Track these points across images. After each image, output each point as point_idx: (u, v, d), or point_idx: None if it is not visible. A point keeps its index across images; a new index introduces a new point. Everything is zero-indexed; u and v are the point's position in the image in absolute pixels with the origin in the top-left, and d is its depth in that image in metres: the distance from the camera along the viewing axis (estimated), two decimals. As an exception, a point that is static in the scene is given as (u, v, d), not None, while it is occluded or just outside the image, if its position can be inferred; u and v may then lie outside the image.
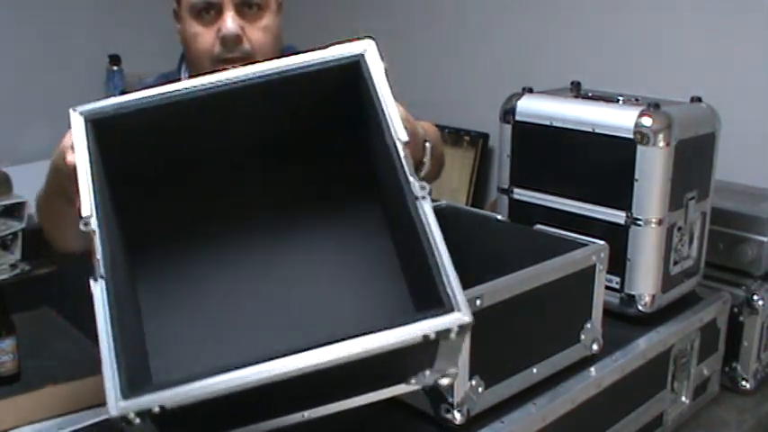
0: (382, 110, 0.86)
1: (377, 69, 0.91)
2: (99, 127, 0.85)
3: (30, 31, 2.78)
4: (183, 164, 0.91)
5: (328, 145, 0.96)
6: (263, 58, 1.31)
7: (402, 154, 0.83)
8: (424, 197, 0.81)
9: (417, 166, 1.10)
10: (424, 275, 0.80)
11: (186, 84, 0.88)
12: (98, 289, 0.73)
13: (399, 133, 0.85)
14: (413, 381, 0.82)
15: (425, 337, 0.73)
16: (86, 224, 0.77)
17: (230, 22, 1.27)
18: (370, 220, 0.96)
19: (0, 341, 1.51)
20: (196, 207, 0.93)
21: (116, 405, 0.68)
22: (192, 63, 1.35)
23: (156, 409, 0.67)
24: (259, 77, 0.87)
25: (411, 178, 0.81)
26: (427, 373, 0.82)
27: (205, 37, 1.30)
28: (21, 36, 2.76)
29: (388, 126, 0.84)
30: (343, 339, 0.71)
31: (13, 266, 2.43)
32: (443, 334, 0.74)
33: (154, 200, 0.90)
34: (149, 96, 0.89)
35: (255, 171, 0.95)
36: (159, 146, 0.89)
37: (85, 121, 0.85)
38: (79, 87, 2.92)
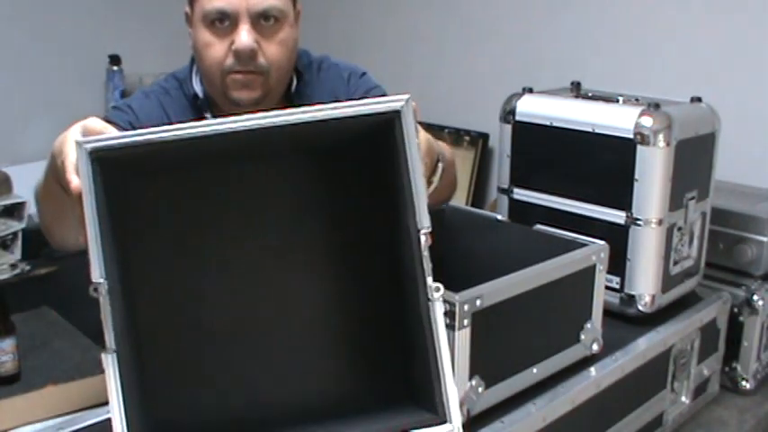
0: (410, 188, 0.80)
1: (410, 133, 0.82)
2: (105, 165, 0.77)
3: (30, 31, 2.78)
4: (195, 206, 0.87)
5: (347, 198, 0.91)
6: (277, 73, 1.29)
7: (423, 247, 0.79)
8: (438, 299, 0.78)
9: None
10: (423, 374, 0.79)
11: (202, 125, 0.79)
12: (109, 361, 0.72)
13: (423, 221, 0.80)
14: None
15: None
16: (95, 290, 0.73)
17: (245, 35, 1.22)
18: (377, 282, 0.92)
19: (0, 341, 1.51)
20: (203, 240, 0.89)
21: None
22: (203, 71, 1.32)
23: None
24: (282, 124, 0.79)
25: (428, 279, 0.78)
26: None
27: (217, 48, 1.25)
28: (21, 36, 2.76)
29: (413, 208, 0.79)
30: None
31: (13, 266, 2.43)
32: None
33: (156, 229, 0.86)
34: (166, 134, 0.79)
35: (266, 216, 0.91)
36: (173, 186, 0.84)
37: (91, 159, 0.75)
38: (79, 87, 2.92)
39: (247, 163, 0.87)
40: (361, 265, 0.91)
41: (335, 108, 0.80)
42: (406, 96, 0.82)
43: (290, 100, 1.38)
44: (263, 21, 1.25)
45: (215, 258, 0.87)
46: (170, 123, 1.20)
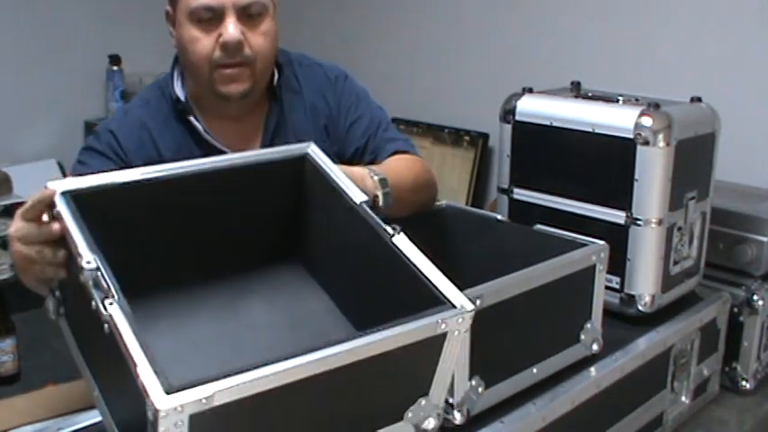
0: (336, 182, 1.02)
1: (323, 157, 1.06)
2: (78, 200, 0.89)
3: (30, 32, 2.78)
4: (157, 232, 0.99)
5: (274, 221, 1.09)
6: (263, 63, 1.33)
7: (367, 208, 0.98)
8: (398, 233, 0.95)
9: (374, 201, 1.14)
10: (418, 293, 0.87)
11: (163, 168, 0.98)
12: (116, 309, 0.75)
13: (357, 196, 1.00)
14: (409, 415, 0.86)
15: (438, 324, 0.81)
16: (89, 264, 0.80)
17: (232, 28, 1.26)
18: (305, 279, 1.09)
19: (0, 341, 1.51)
20: (169, 262, 0.99)
21: (163, 399, 0.66)
22: (189, 67, 1.34)
23: (204, 401, 0.67)
24: (220, 167, 1.01)
25: (385, 226, 0.95)
26: (423, 402, 0.86)
27: (204, 42, 1.28)
28: (21, 36, 2.76)
29: (345, 192, 1.00)
30: (362, 336, 0.76)
31: (13, 266, 2.43)
32: (452, 323, 0.82)
33: (129, 255, 0.92)
34: (131, 179, 0.95)
35: (219, 235, 1.05)
36: (136, 219, 0.95)
37: (65, 195, 0.89)
38: (79, 87, 2.93)
39: (202, 195, 1.02)
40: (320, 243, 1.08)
41: (267, 153, 1.07)
42: (310, 143, 1.10)
43: (274, 93, 1.41)
44: (247, 14, 1.29)
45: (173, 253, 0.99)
46: (150, 136, 1.32)
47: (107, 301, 0.76)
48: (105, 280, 0.78)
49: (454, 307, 0.84)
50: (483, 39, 2.58)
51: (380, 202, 1.15)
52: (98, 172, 1.27)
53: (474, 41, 2.61)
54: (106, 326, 0.76)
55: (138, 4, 3.00)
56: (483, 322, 0.97)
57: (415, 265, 0.90)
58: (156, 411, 0.66)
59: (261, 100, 1.40)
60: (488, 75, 2.56)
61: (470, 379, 0.99)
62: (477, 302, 0.97)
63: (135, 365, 0.69)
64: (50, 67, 2.84)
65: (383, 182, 1.18)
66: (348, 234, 1.01)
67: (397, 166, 1.36)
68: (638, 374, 1.22)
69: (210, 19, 1.27)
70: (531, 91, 1.43)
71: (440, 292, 0.87)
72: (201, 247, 1.01)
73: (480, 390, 1.01)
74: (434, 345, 0.83)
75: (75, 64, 2.91)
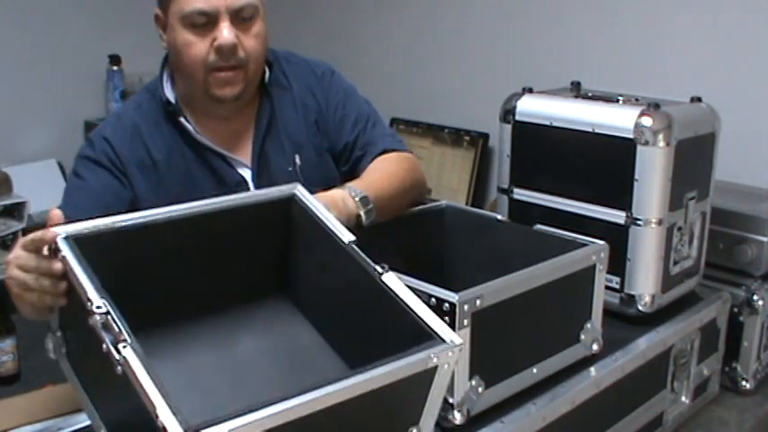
0: (323, 222, 1.05)
1: (309, 197, 1.09)
2: (79, 242, 0.93)
3: (30, 32, 2.78)
4: (154, 269, 1.02)
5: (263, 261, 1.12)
6: (255, 64, 1.34)
7: (355, 247, 1.00)
8: (387, 271, 0.95)
9: (356, 220, 1.22)
10: (408, 328, 0.89)
11: (160, 211, 1.01)
12: (129, 352, 0.77)
13: (345, 236, 1.01)
14: None
15: (429, 359, 0.82)
16: (99, 309, 0.82)
17: (227, 32, 1.27)
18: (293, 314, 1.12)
19: (0, 341, 1.51)
20: (167, 298, 1.01)
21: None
22: (183, 71, 1.34)
23: None
24: (212, 210, 1.05)
25: (375, 265, 0.96)
26: (413, 431, 0.88)
27: (199, 46, 1.29)
28: (21, 36, 2.76)
29: (333, 232, 1.02)
30: (359, 374, 0.79)
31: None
32: (443, 357, 0.83)
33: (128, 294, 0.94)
34: (129, 222, 0.99)
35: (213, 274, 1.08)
36: (133, 259, 0.99)
37: (67, 240, 0.92)
38: (79, 87, 2.93)
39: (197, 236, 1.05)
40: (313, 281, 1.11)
41: (255, 195, 1.11)
42: (296, 185, 1.12)
43: (265, 91, 1.42)
44: (240, 17, 1.30)
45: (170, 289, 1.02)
46: (142, 139, 1.34)
47: (120, 345, 0.77)
48: (116, 323, 0.79)
49: (443, 341, 0.86)
50: (483, 39, 2.58)
51: (363, 221, 1.23)
52: (95, 186, 1.33)
53: (474, 42, 2.61)
54: (119, 368, 0.77)
55: (138, 4, 2.99)
56: (483, 322, 0.98)
57: (404, 302, 0.92)
58: None
59: (251, 99, 1.41)
60: (488, 75, 2.56)
61: (470, 379, 0.99)
62: (478, 302, 0.97)
63: (154, 407, 0.71)
64: (50, 67, 2.84)
65: (364, 200, 1.24)
66: (337, 272, 1.04)
67: (382, 172, 1.38)
68: (638, 374, 1.22)
69: (204, 23, 1.28)
70: (531, 91, 1.43)
71: (429, 326, 0.88)
72: (196, 285, 1.04)
73: (480, 390, 1.01)
74: (425, 378, 0.86)
75: (75, 64, 2.91)
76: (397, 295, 0.93)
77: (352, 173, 1.43)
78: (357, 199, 1.23)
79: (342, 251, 1.01)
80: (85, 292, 0.84)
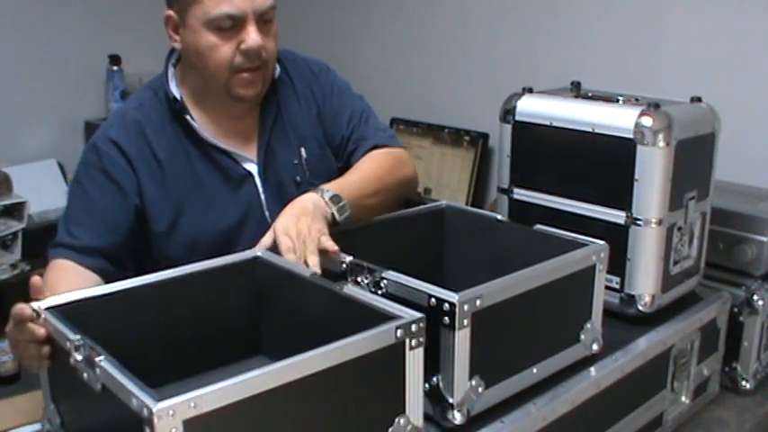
0: (286, 265, 1.11)
1: (273, 255, 1.14)
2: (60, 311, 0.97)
3: (30, 32, 2.78)
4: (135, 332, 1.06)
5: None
6: (273, 64, 1.40)
7: (318, 277, 1.06)
8: (346, 284, 1.02)
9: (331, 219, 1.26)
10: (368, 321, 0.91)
11: (134, 281, 1.06)
12: (106, 363, 0.82)
13: (307, 271, 1.08)
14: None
15: (393, 331, 0.86)
16: (78, 341, 0.87)
17: (254, 35, 1.31)
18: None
19: (0, 341, 1.51)
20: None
21: (156, 404, 0.71)
22: (204, 72, 1.35)
23: (193, 405, 0.72)
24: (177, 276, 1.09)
25: (331, 284, 1.03)
26: (401, 421, 0.90)
27: (225, 49, 1.31)
28: (21, 36, 2.76)
29: (295, 271, 1.09)
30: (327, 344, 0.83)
31: (14, 266, 2.43)
32: (407, 328, 0.87)
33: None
34: (106, 292, 1.04)
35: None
36: (112, 325, 1.02)
37: (49, 310, 0.96)
38: (79, 87, 2.93)
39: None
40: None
41: (220, 260, 1.14)
42: (258, 249, 1.17)
43: (271, 85, 1.44)
44: (263, 20, 1.33)
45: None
46: (146, 138, 1.36)
47: (96, 359, 0.81)
48: (94, 349, 0.83)
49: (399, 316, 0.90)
50: (483, 39, 2.58)
51: (337, 218, 1.26)
52: (100, 203, 1.34)
53: (474, 42, 2.61)
54: (99, 385, 0.81)
55: (138, 4, 3.00)
56: (483, 322, 0.98)
57: (368, 302, 0.96)
58: (150, 413, 0.70)
59: (266, 94, 1.44)
60: (488, 75, 2.57)
61: (470, 379, 0.99)
62: (478, 302, 0.97)
63: (130, 393, 0.74)
64: (50, 67, 2.84)
65: (335, 198, 1.27)
66: (306, 306, 1.08)
67: (362, 171, 1.42)
68: (638, 374, 1.22)
69: (230, 27, 1.30)
70: (531, 91, 1.43)
71: (393, 311, 0.92)
72: (172, 348, 1.07)
73: (480, 390, 1.01)
74: (395, 356, 0.88)
75: (75, 64, 2.90)
76: (363, 301, 0.96)
77: (346, 168, 1.46)
78: (327, 198, 1.26)
79: (308, 285, 1.05)
80: (63, 335, 0.88)
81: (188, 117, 1.38)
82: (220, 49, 1.31)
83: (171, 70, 1.42)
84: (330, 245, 1.15)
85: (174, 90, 1.40)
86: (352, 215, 1.28)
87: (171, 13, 1.35)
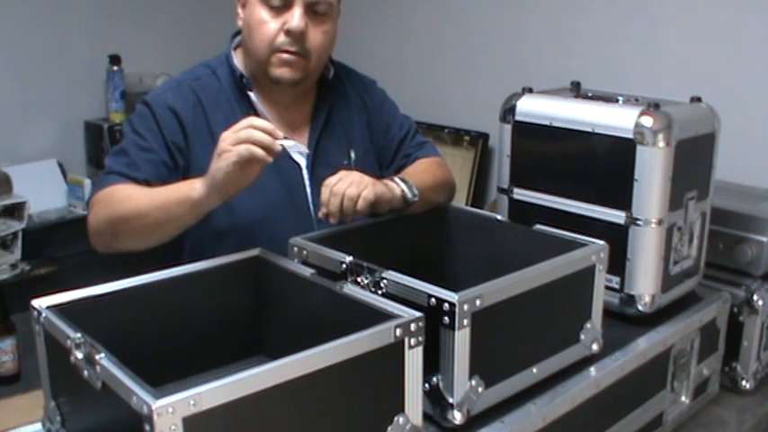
0: (286, 265, 1.12)
1: (273, 255, 1.15)
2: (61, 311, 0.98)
3: (30, 31, 2.78)
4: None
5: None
6: (317, 60, 1.41)
7: (317, 277, 1.07)
8: (345, 284, 1.03)
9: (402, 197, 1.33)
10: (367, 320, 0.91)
11: (132, 279, 1.06)
12: (107, 361, 0.82)
13: (307, 270, 1.09)
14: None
15: (392, 330, 0.87)
16: (78, 338, 0.87)
17: (297, 18, 1.33)
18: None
19: (0, 341, 1.52)
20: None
21: (155, 402, 0.71)
22: (250, 47, 1.39)
23: (193, 403, 0.72)
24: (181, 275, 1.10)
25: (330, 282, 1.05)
26: (400, 420, 0.90)
27: (270, 26, 1.35)
28: (21, 36, 2.76)
29: (296, 272, 1.10)
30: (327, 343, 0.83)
31: (14, 266, 2.43)
32: (406, 327, 0.88)
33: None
34: (105, 291, 1.03)
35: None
36: (112, 324, 1.03)
37: (49, 309, 0.97)
38: (79, 87, 2.92)
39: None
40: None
41: (220, 259, 1.14)
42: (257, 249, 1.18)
43: (326, 84, 1.50)
44: (314, 10, 1.36)
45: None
46: (203, 109, 1.38)
47: (97, 357, 0.82)
48: (93, 346, 0.84)
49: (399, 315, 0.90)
50: (483, 39, 2.59)
51: (408, 194, 1.32)
52: (159, 152, 1.34)
53: (474, 42, 2.61)
54: (99, 383, 0.81)
55: (138, 4, 3.00)
56: (483, 322, 0.98)
57: (367, 302, 0.97)
58: (150, 411, 0.71)
59: (309, 90, 1.47)
60: (488, 75, 2.57)
61: (470, 379, 0.99)
62: (477, 302, 0.97)
63: (130, 390, 0.75)
64: (50, 67, 2.84)
65: (403, 180, 1.34)
66: (304, 304, 1.09)
67: (421, 170, 1.48)
68: (638, 374, 1.22)
69: (279, 5, 1.34)
70: (531, 91, 1.43)
71: (393, 310, 0.92)
72: (172, 347, 1.07)
73: (480, 390, 1.01)
74: (394, 355, 0.88)
75: (75, 64, 2.90)
76: (363, 301, 0.97)
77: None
78: (397, 179, 1.34)
79: (308, 285, 1.06)
80: (64, 333, 0.89)
81: (251, 93, 1.42)
82: (266, 25, 1.35)
83: (233, 50, 1.46)
84: (367, 193, 1.22)
85: (240, 67, 1.44)
86: (419, 201, 1.34)
87: None
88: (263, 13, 1.35)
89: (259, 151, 1.09)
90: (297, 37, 1.34)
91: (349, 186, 1.23)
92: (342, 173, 1.26)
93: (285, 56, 1.36)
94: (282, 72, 1.37)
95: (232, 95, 1.42)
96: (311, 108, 1.48)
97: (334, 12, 1.40)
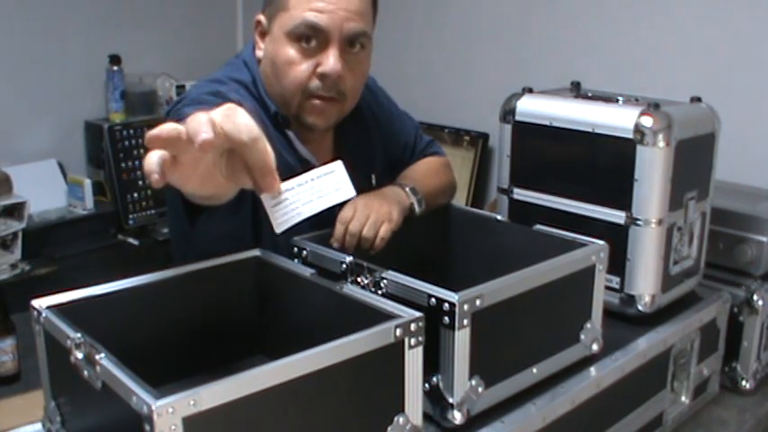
0: (286, 265, 1.11)
1: (273, 255, 1.13)
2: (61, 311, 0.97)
3: (30, 31, 2.78)
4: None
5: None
6: (352, 101, 1.30)
7: (316, 277, 1.06)
8: (345, 284, 1.02)
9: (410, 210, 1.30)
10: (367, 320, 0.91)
11: (132, 280, 1.05)
12: (107, 361, 0.81)
13: (307, 270, 1.06)
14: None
15: (392, 330, 0.86)
16: (78, 338, 0.86)
17: (334, 60, 1.20)
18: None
19: (0, 341, 1.52)
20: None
21: (154, 403, 0.71)
22: (278, 88, 1.27)
23: (192, 403, 0.72)
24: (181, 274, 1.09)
25: (330, 282, 1.04)
26: (400, 420, 0.90)
27: (302, 68, 1.22)
28: (21, 36, 2.76)
29: (296, 272, 1.09)
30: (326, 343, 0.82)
31: (14, 266, 2.43)
32: (406, 327, 0.87)
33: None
34: (105, 291, 1.02)
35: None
36: (112, 324, 1.02)
37: (50, 309, 0.96)
38: (79, 87, 2.93)
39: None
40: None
41: (220, 258, 1.12)
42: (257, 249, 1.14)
43: (357, 114, 1.39)
44: (350, 46, 1.24)
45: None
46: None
47: (97, 357, 0.82)
48: (93, 346, 0.84)
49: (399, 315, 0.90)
50: (483, 39, 2.59)
51: (416, 210, 1.31)
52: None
53: (474, 42, 2.61)
54: (99, 383, 0.81)
55: (138, 4, 3.00)
56: (483, 322, 0.98)
57: (367, 301, 0.96)
58: (150, 411, 0.70)
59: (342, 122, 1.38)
60: (488, 75, 2.57)
61: (470, 379, 0.99)
62: (478, 302, 0.97)
63: (130, 391, 0.74)
64: (50, 67, 2.84)
65: (413, 191, 1.32)
66: (304, 304, 1.08)
67: (426, 172, 1.46)
68: (638, 374, 1.22)
69: (312, 43, 1.21)
70: (531, 91, 1.43)
71: (393, 310, 0.92)
72: (172, 347, 1.07)
73: (480, 390, 1.01)
74: (394, 355, 0.88)
75: (75, 64, 2.90)
76: (363, 301, 0.97)
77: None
78: (408, 190, 1.31)
79: (308, 285, 1.05)
80: (64, 333, 0.88)
81: (290, 134, 1.31)
82: (297, 67, 1.21)
83: (259, 80, 1.31)
84: (384, 232, 1.18)
85: (270, 103, 1.30)
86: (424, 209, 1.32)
87: (261, 18, 1.28)
88: (291, 52, 1.21)
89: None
90: (333, 81, 1.21)
91: (366, 227, 1.17)
92: (357, 204, 1.18)
93: (318, 102, 1.24)
94: (317, 120, 1.26)
95: (265, 131, 1.28)
96: (332, 139, 1.40)
97: (369, 47, 1.27)
